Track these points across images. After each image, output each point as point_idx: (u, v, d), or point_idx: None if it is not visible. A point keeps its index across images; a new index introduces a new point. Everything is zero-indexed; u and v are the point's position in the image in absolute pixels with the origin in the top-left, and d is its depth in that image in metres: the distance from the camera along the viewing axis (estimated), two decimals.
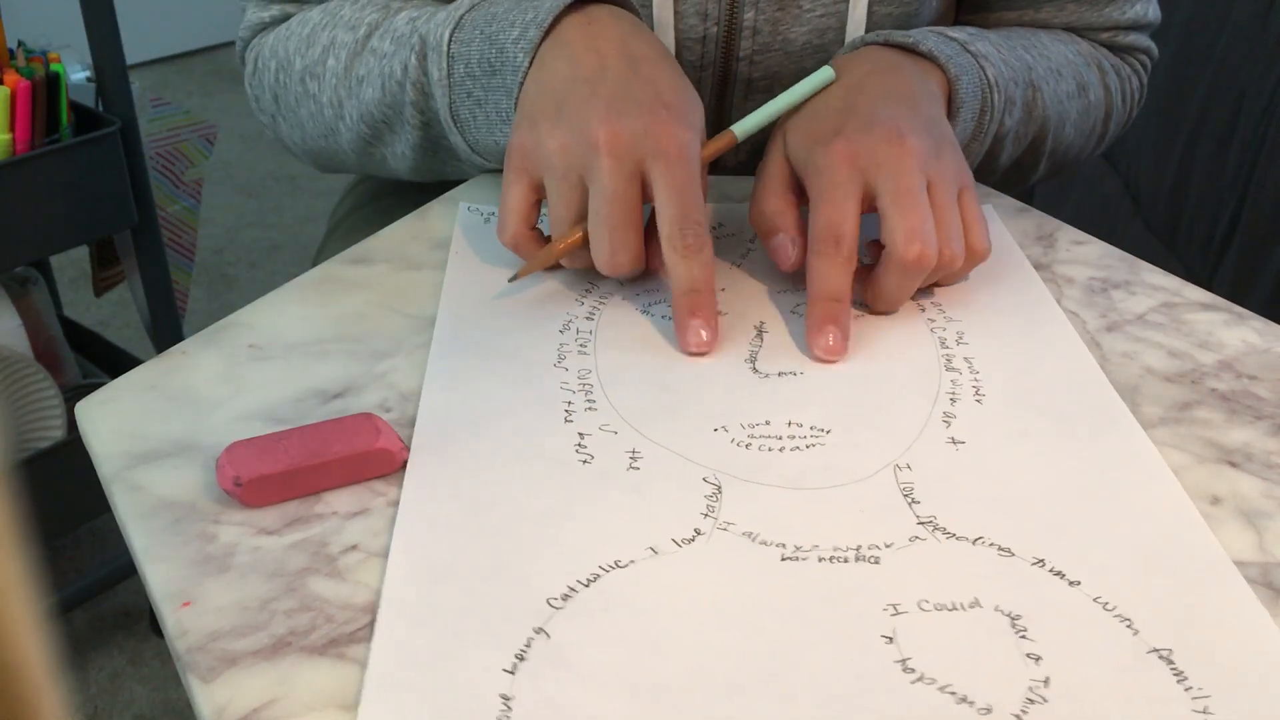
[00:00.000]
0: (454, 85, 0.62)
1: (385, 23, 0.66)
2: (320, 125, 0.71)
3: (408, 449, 0.47)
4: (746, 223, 0.66)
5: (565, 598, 0.40)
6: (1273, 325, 0.58)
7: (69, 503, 1.23)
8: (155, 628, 1.37)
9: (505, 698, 0.36)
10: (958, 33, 0.65)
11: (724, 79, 0.71)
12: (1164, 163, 1.61)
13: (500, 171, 0.59)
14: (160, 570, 0.41)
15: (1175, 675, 0.37)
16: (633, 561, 0.42)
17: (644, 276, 0.60)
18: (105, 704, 1.31)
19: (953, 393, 0.52)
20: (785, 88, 0.71)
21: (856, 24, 0.68)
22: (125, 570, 1.34)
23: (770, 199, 0.59)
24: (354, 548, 0.42)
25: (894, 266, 0.54)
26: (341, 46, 0.67)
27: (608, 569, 0.41)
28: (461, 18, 0.61)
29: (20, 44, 1.14)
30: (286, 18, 0.73)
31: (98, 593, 1.38)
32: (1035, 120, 0.69)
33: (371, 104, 0.66)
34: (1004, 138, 0.67)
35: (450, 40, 0.61)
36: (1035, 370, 0.53)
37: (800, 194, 0.59)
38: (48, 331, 1.31)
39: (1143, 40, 0.79)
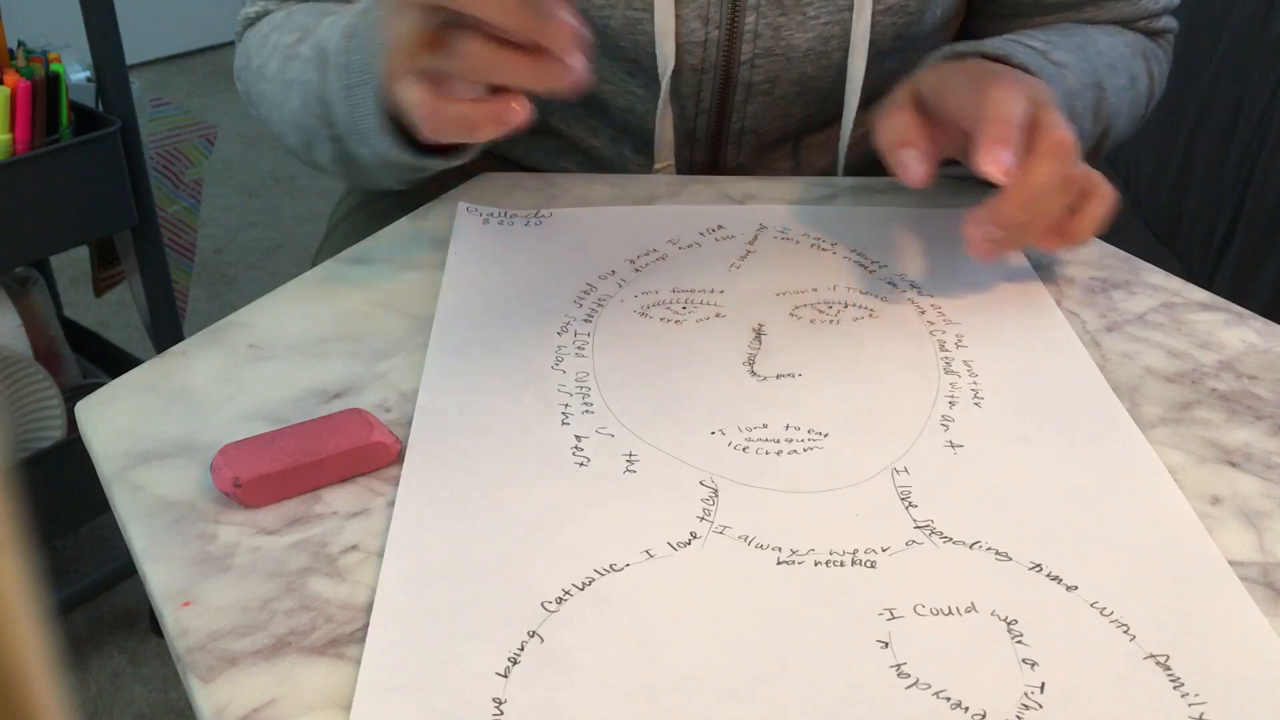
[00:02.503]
0: (352, 96, 0.58)
1: (316, 28, 0.63)
2: (275, 126, 0.69)
3: (400, 443, 0.47)
4: (746, 224, 0.66)
5: (559, 601, 0.40)
6: (1273, 325, 0.58)
7: (69, 503, 1.23)
8: (155, 628, 1.36)
9: (498, 701, 0.36)
10: (1034, 41, 0.66)
11: (725, 83, 0.71)
12: (1164, 163, 1.61)
13: (418, 187, 0.58)
14: (160, 570, 0.41)
15: (1171, 681, 0.37)
16: (628, 565, 0.42)
17: (643, 278, 0.60)
18: (105, 704, 1.31)
19: (951, 396, 0.52)
20: (786, 91, 0.72)
21: (861, 33, 0.68)
22: (125, 570, 1.34)
23: (900, 110, 0.58)
24: (354, 548, 0.42)
25: (1046, 150, 0.53)
26: (280, 51, 0.66)
27: (603, 572, 0.41)
28: (351, 26, 0.58)
29: (20, 44, 1.14)
30: (267, 14, 0.73)
31: (98, 593, 1.38)
32: (1101, 120, 0.70)
33: (300, 112, 0.64)
34: (1080, 141, 0.68)
35: (345, 51, 0.58)
36: (1035, 373, 0.53)
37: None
38: (48, 331, 1.31)
39: (1170, 21, 0.80)
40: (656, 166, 0.74)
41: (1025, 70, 0.62)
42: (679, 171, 0.76)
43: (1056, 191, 0.53)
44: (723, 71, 0.70)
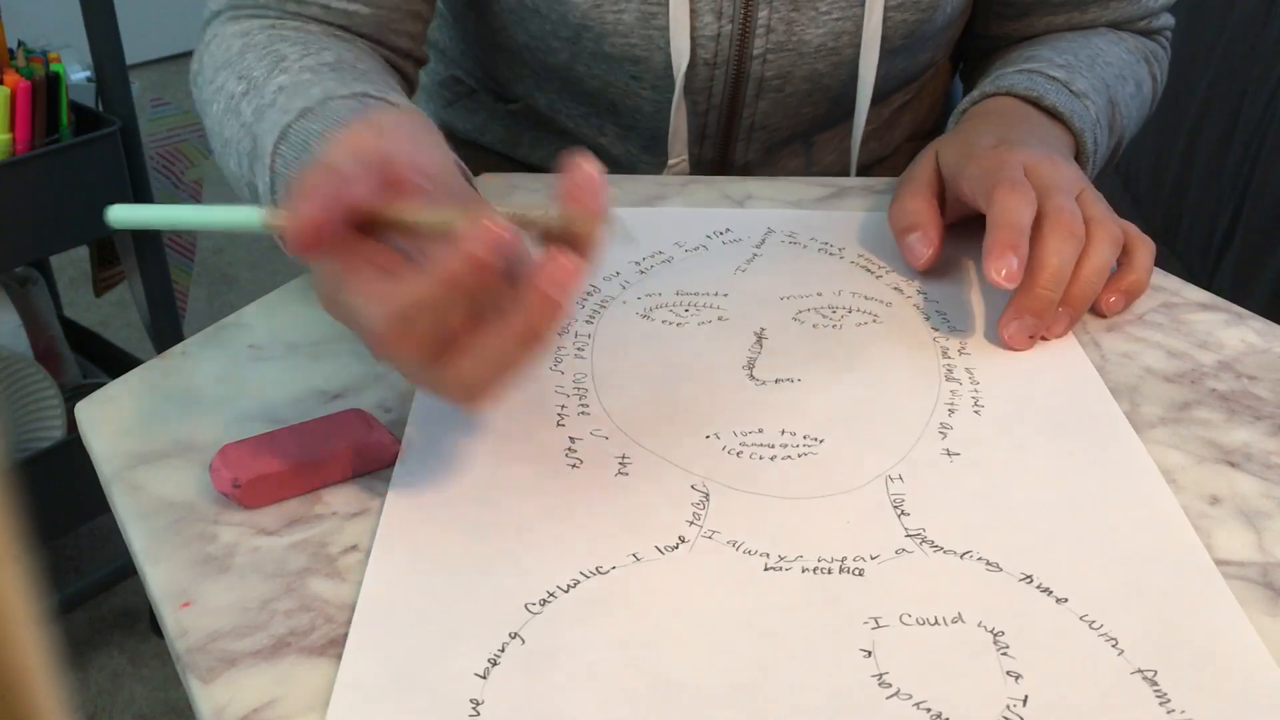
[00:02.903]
0: (277, 201, 0.54)
1: (261, 84, 0.58)
2: (220, 162, 0.64)
3: (400, 443, 0.47)
4: (753, 227, 0.66)
5: (543, 603, 0.40)
6: (1272, 325, 0.58)
7: (69, 503, 1.23)
8: (155, 628, 1.36)
9: (475, 702, 0.36)
10: (1055, 70, 0.68)
11: (737, 77, 0.71)
12: (1164, 163, 1.61)
13: None
14: (160, 571, 0.41)
15: (1158, 697, 0.37)
16: (614, 568, 0.41)
17: (647, 280, 0.60)
18: (105, 704, 1.31)
19: (951, 403, 0.51)
20: (797, 88, 0.72)
21: (872, 31, 0.69)
22: (125, 570, 1.34)
23: (913, 197, 0.61)
24: (353, 548, 0.42)
25: (1051, 231, 0.54)
26: (226, 96, 0.60)
27: (588, 575, 0.41)
28: (288, 127, 0.53)
29: (20, 44, 1.14)
30: (237, 7, 0.66)
31: (98, 593, 1.38)
32: (1116, 133, 0.72)
33: (232, 176, 0.60)
34: (1099, 160, 0.70)
35: (274, 153, 0.53)
36: (1036, 382, 0.53)
37: (943, 206, 0.61)
38: (48, 331, 1.31)
39: (1168, 19, 0.81)
40: (671, 162, 0.74)
41: (1056, 113, 0.65)
42: (688, 169, 0.76)
43: (1101, 270, 0.56)
44: (735, 66, 0.71)
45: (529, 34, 0.71)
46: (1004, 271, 0.52)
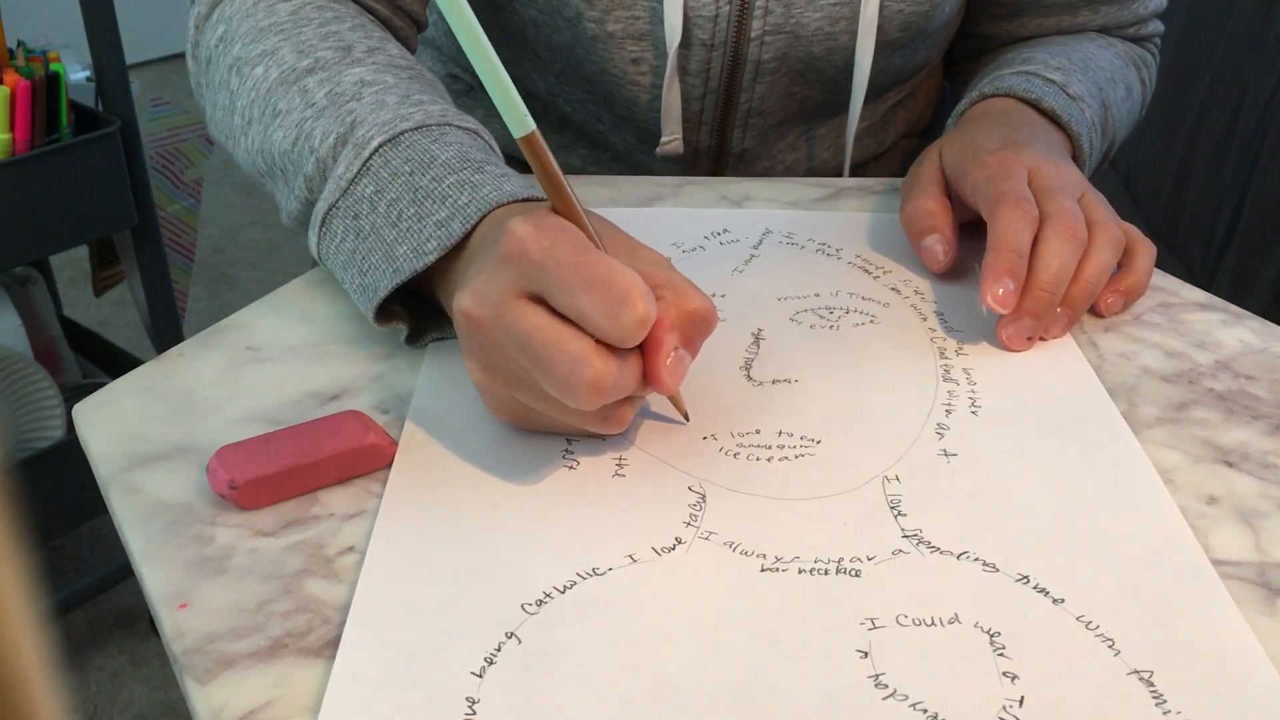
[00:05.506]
0: (348, 194, 0.52)
1: (335, 68, 0.57)
2: (226, 126, 0.62)
3: (397, 444, 0.47)
4: (751, 228, 0.66)
5: (540, 603, 0.40)
6: (1270, 325, 0.58)
7: (69, 503, 1.23)
8: (155, 627, 1.37)
9: (471, 700, 0.36)
10: (1052, 73, 0.68)
11: (735, 59, 0.71)
12: (1164, 163, 1.61)
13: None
14: (157, 572, 0.41)
15: (1155, 698, 0.37)
16: (610, 569, 0.41)
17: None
18: (105, 704, 1.31)
19: (948, 404, 0.51)
20: (794, 71, 0.72)
21: (869, 19, 0.69)
22: (125, 570, 1.34)
23: (926, 199, 0.61)
24: (350, 549, 0.42)
25: (1053, 233, 0.55)
26: (278, 65, 0.58)
27: (585, 576, 0.41)
28: (402, 134, 0.52)
29: (20, 44, 1.14)
30: None
31: (98, 593, 1.39)
32: (1108, 136, 0.72)
33: (274, 147, 0.57)
34: (1092, 163, 0.70)
35: (376, 151, 0.51)
36: (1034, 383, 0.53)
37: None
38: (48, 331, 1.32)
39: (1158, 25, 0.82)
40: (664, 139, 0.73)
41: (1054, 116, 0.65)
42: (685, 155, 0.76)
43: (1101, 272, 0.56)
44: (732, 48, 0.71)
45: (538, 9, 0.71)
46: (1000, 293, 0.53)
